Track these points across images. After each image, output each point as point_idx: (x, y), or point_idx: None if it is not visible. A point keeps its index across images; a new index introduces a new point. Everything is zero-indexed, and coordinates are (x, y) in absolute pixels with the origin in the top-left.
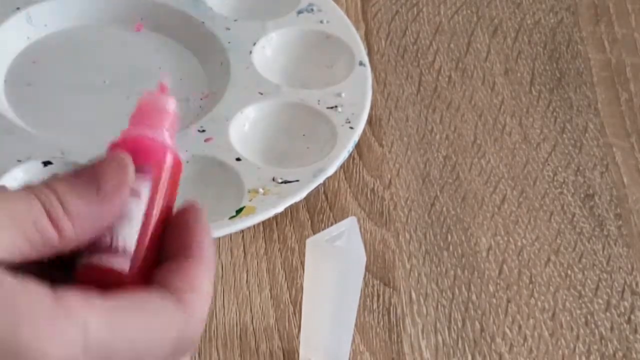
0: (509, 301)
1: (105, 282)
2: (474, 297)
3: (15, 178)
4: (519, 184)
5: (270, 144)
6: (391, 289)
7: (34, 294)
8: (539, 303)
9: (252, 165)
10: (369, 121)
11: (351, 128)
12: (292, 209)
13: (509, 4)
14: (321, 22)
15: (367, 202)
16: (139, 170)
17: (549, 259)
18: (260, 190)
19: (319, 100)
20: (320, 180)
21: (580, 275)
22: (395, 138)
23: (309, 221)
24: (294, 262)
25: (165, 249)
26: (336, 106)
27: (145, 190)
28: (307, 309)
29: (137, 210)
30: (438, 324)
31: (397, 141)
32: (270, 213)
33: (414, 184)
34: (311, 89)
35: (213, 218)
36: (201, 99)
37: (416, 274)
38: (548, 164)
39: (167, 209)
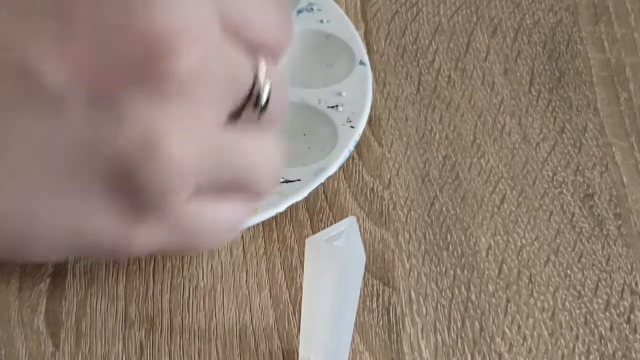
0: (508, 301)
1: None
2: (473, 297)
3: None
4: (518, 184)
5: None
6: (391, 289)
7: None
8: (539, 303)
9: None
10: (369, 121)
11: (352, 127)
12: (292, 209)
13: (509, 4)
14: (321, 21)
15: (367, 202)
16: None
17: (548, 259)
18: None
19: (319, 100)
20: (322, 179)
21: (580, 275)
22: (395, 138)
23: (309, 221)
24: (293, 262)
25: None
26: (337, 105)
27: None
28: (306, 309)
29: None
30: (438, 324)
31: (397, 141)
32: (272, 212)
33: (414, 184)
34: (312, 89)
35: None
36: None
37: (416, 274)
38: (548, 164)
39: None
